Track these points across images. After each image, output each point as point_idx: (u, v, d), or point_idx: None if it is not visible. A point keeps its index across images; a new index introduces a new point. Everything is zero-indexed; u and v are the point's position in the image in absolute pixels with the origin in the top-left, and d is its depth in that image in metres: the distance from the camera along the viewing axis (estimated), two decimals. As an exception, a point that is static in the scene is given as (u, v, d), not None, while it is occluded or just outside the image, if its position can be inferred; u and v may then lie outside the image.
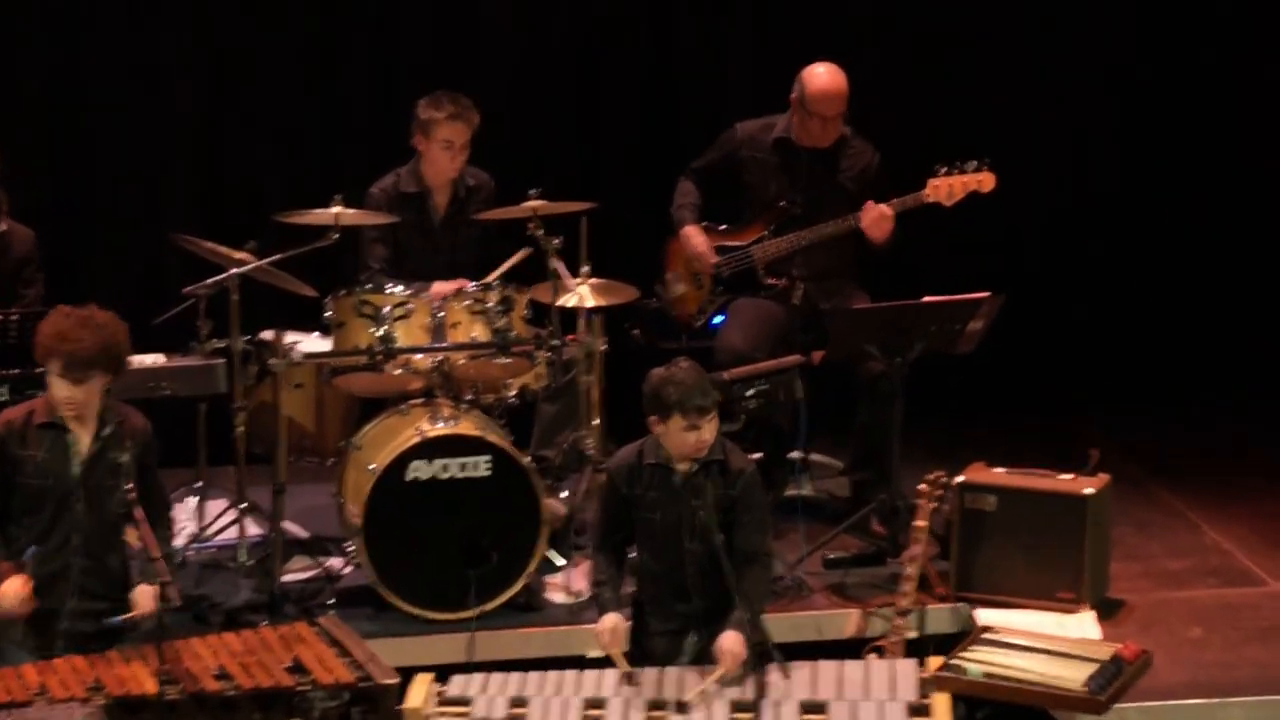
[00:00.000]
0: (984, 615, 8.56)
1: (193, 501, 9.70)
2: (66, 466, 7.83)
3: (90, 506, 7.85)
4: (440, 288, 9.29)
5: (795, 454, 9.74)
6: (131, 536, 8.09)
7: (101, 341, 7.70)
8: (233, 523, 9.45)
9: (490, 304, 9.15)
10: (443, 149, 9.62)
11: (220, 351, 9.18)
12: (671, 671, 7.70)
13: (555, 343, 9.28)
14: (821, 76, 9.70)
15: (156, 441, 8.10)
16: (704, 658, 7.80)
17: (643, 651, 7.91)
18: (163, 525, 8.00)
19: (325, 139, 11.40)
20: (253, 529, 9.36)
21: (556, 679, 7.67)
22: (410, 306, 9.12)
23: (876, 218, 9.56)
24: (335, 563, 9.17)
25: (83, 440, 7.84)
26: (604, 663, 7.96)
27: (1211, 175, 11.99)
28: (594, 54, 11.60)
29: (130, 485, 7.84)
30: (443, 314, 9.12)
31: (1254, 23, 11.85)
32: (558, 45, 11.55)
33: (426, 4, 11.50)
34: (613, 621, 7.83)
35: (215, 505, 9.62)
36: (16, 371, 8.82)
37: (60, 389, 7.76)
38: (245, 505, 9.37)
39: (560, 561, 9.17)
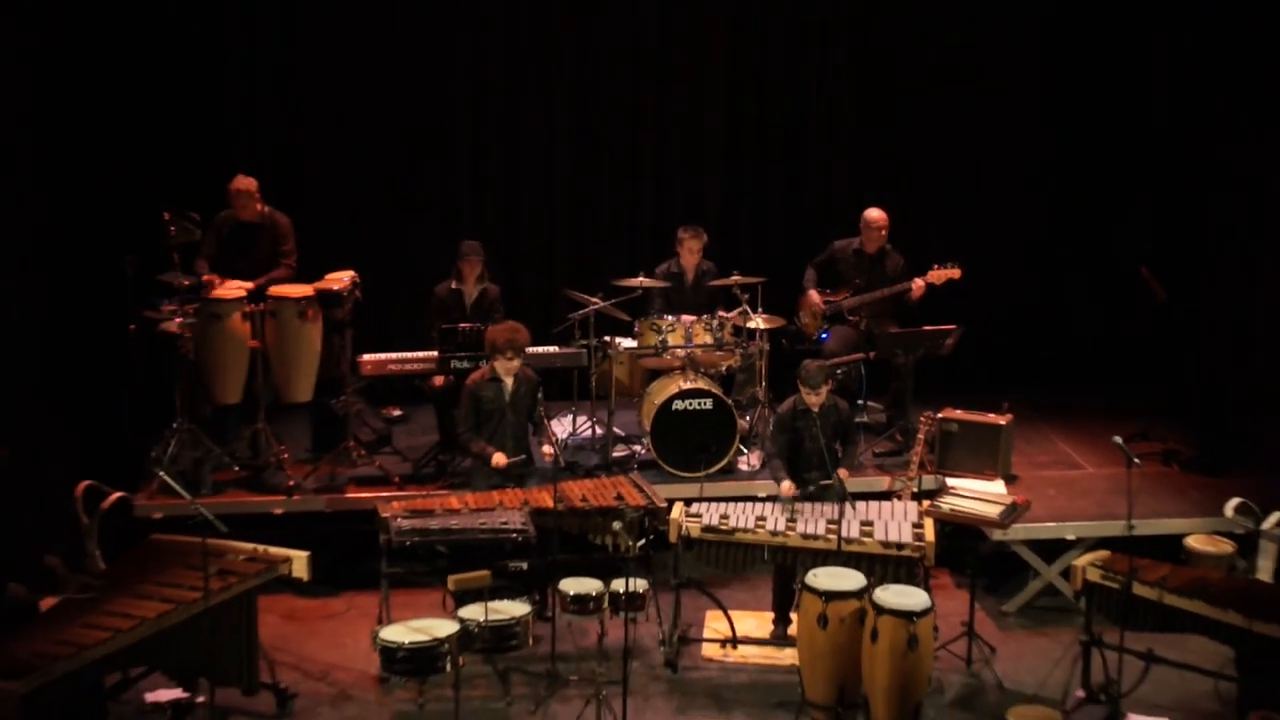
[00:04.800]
0: (951, 481, 9.12)
1: (569, 418, 10.15)
2: (502, 396, 8.62)
3: (514, 415, 8.65)
4: (686, 318, 9.69)
5: (860, 401, 10.09)
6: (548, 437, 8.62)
7: (519, 335, 8.62)
8: (589, 428, 10.04)
9: (713, 325, 9.67)
10: (689, 252, 10.03)
11: (584, 345, 9.68)
12: (799, 504, 8.26)
13: (744, 345, 9.80)
14: (873, 212, 10.01)
15: (541, 386, 8.76)
16: (818, 498, 8.38)
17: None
18: (541, 427, 8.65)
19: (629, 233, 11.29)
20: (599, 430, 9.87)
21: (743, 505, 8.33)
22: (675, 326, 9.64)
23: (920, 287, 9.79)
24: (638, 448, 9.77)
25: (507, 384, 8.63)
26: (767, 500, 8.50)
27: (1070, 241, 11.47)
28: (769, 200, 11.45)
29: (541, 407, 8.68)
30: (691, 330, 9.64)
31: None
32: (753, 190, 11.42)
33: (683, 161, 11.24)
34: (789, 484, 8.40)
35: (581, 420, 10.11)
36: (474, 354, 9.11)
37: (507, 360, 8.57)
38: (595, 420, 9.96)
39: (744, 451, 9.65)
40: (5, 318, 8.57)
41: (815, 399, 8.42)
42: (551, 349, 9.78)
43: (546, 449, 8.48)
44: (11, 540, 7.52)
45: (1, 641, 6.63)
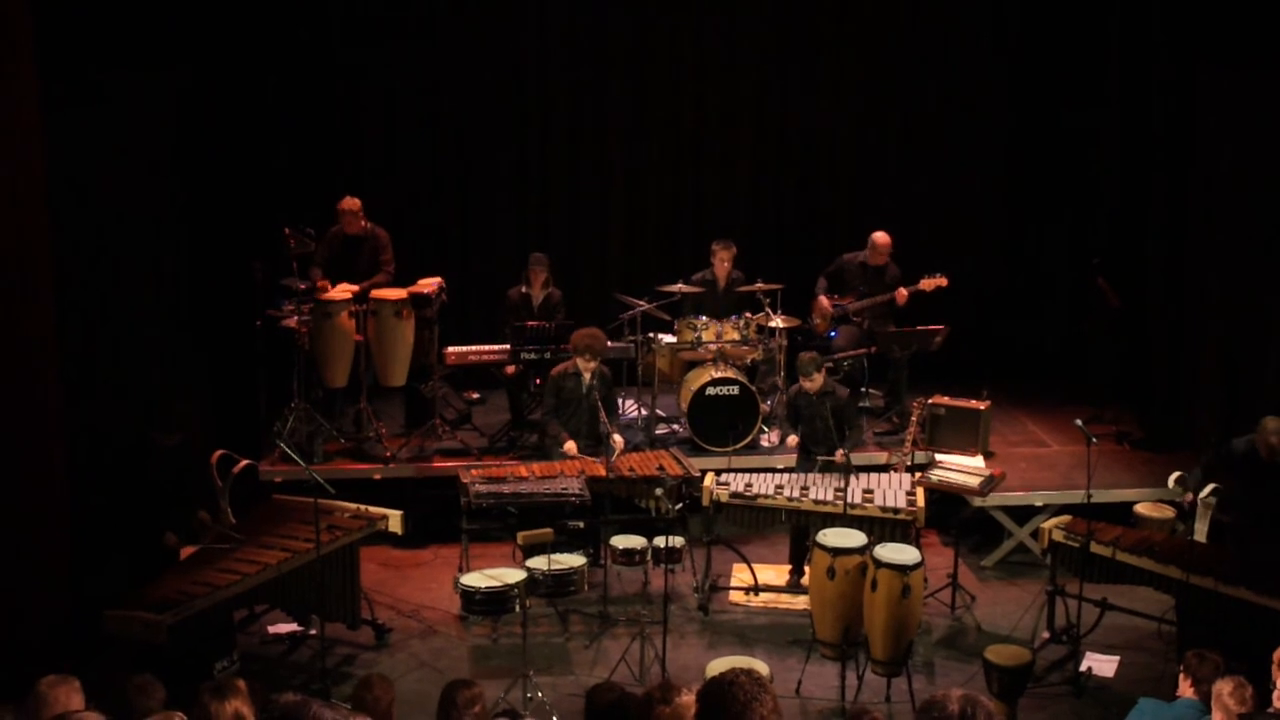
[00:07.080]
0: (939, 456, 8.83)
1: (620, 400, 9.50)
2: (580, 388, 8.62)
3: (588, 404, 8.58)
4: (719, 319, 9.55)
5: (863, 389, 9.95)
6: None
7: (598, 341, 8.67)
8: (636, 409, 9.78)
9: (740, 325, 9.60)
10: (721, 263, 9.87)
11: (632, 340, 9.51)
12: (811, 474, 8.28)
13: (766, 341, 9.66)
14: (880, 236, 9.90)
15: (610, 378, 8.81)
16: (824, 469, 8.35)
17: (801, 466, 8.58)
18: (615, 411, 8.73)
19: (670, 246, 11.01)
20: (643, 412, 9.67)
21: (764, 475, 8.33)
22: (708, 325, 9.55)
23: (904, 295, 9.71)
24: (677, 427, 9.62)
25: (585, 378, 8.63)
26: (784, 471, 8.50)
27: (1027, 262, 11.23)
28: (787, 220, 11.20)
29: (608, 392, 8.52)
30: (722, 328, 9.56)
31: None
32: (774, 212, 11.18)
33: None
34: (793, 438, 8.57)
35: (629, 403, 9.83)
36: (555, 347, 9.13)
37: (586, 360, 8.59)
38: (641, 403, 9.68)
39: (766, 430, 9.50)
40: (162, 317, 8.64)
41: (810, 384, 8.39)
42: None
43: (616, 437, 8.45)
44: (176, 500, 7.65)
45: (153, 581, 6.71)
